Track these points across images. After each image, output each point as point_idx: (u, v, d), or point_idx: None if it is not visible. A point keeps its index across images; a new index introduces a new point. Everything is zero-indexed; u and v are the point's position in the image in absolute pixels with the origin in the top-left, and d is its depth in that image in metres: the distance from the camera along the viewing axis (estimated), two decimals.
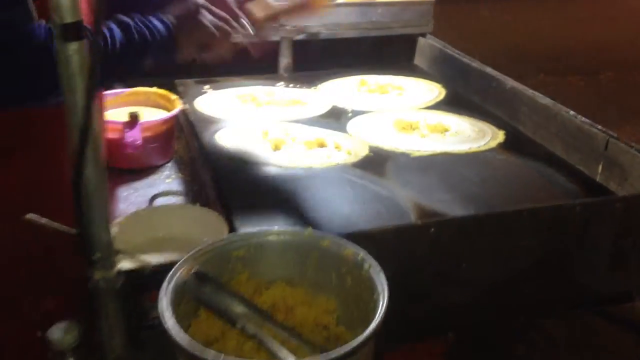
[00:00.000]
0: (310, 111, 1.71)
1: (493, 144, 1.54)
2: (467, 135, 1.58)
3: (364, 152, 1.47)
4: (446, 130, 1.60)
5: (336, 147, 1.48)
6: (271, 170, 1.38)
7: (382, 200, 1.26)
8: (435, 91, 1.88)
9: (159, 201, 1.29)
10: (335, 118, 1.68)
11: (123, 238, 1.17)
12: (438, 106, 1.78)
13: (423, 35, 2.17)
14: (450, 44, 2.06)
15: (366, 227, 1.13)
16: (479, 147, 1.51)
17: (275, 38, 2.01)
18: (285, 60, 2.03)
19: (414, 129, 1.60)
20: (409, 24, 2.17)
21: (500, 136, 1.58)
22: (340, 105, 1.77)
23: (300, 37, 2.03)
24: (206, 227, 1.20)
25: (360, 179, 1.35)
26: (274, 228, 0.98)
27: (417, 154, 1.47)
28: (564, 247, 1.20)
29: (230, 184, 1.30)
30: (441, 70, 2.04)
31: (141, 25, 1.12)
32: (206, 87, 1.86)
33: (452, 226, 1.11)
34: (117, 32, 1.08)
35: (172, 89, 1.86)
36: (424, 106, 1.77)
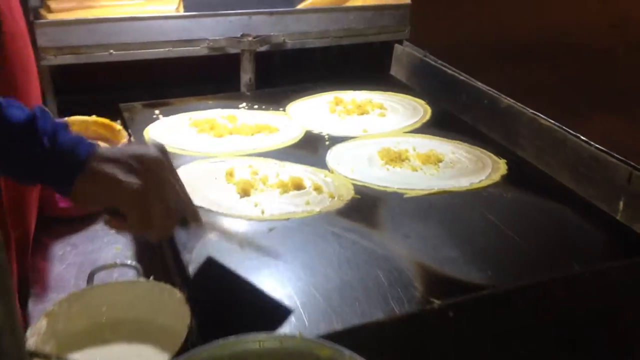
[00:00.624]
0: (280, 139, 1.47)
1: (496, 177, 1.33)
2: (464, 166, 1.37)
3: (348, 193, 1.24)
4: (440, 161, 1.38)
5: (316, 189, 1.24)
6: (239, 225, 1.14)
7: (378, 263, 1.03)
8: (419, 110, 1.67)
9: (101, 276, 1.04)
10: (311, 148, 1.44)
11: (55, 331, 0.92)
12: (426, 129, 1.56)
13: (399, 42, 1.95)
14: (428, 47, 1.85)
15: (367, 313, 0.90)
16: (480, 181, 1.30)
17: (235, 51, 1.76)
18: (246, 76, 1.78)
19: (403, 160, 1.38)
20: (384, 30, 1.95)
21: (502, 167, 1.37)
22: (314, 130, 1.53)
23: (262, 48, 1.79)
24: (162, 309, 0.96)
25: (349, 231, 1.12)
26: (255, 335, 0.75)
27: (411, 193, 1.25)
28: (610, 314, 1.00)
29: (190, 249, 1.05)
30: (423, 83, 1.82)
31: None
32: (156, 111, 1.60)
33: (475, 306, 0.89)
34: None
35: (116, 114, 1.60)
36: (410, 129, 1.56)
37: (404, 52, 1.91)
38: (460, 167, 1.37)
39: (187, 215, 0.84)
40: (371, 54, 1.94)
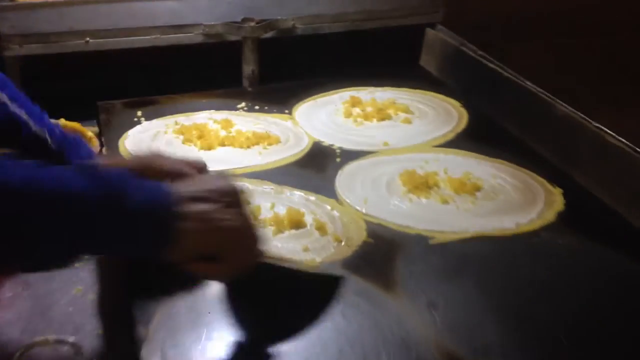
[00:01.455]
0: (281, 153, 1.21)
1: (549, 214, 1.05)
2: (509, 197, 1.09)
3: (359, 236, 0.98)
4: (477, 189, 1.10)
5: (319, 229, 0.98)
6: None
7: (392, 350, 0.77)
8: (453, 115, 1.38)
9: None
10: (318, 166, 1.17)
11: None
12: (460, 141, 1.27)
13: (432, 25, 1.65)
14: (466, 33, 1.55)
15: None
16: (530, 221, 1.02)
17: (235, 38, 1.48)
18: (249, 68, 1.51)
19: (430, 187, 1.10)
20: (414, 12, 1.64)
21: (557, 199, 1.08)
22: (324, 140, 1.26)
23: (268, 35, 1.51)
24: None
25: (356, 294, 0.86)
26: None
27: (439, 237, 0.98)
28: None
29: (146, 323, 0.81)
30: (458, 77, 1.52)
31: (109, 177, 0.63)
32: (139, 112, 1.34)
33: None
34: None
35: (91, 115, 1.35)
36: (441, 141, 1.27)
37: (437, 39, 1.61)
38: (503, 198, 1.09)
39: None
40: (397, 41, 1.64)
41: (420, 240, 0.98)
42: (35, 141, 0.86)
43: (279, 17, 1.50)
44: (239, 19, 1.47)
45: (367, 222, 1.01)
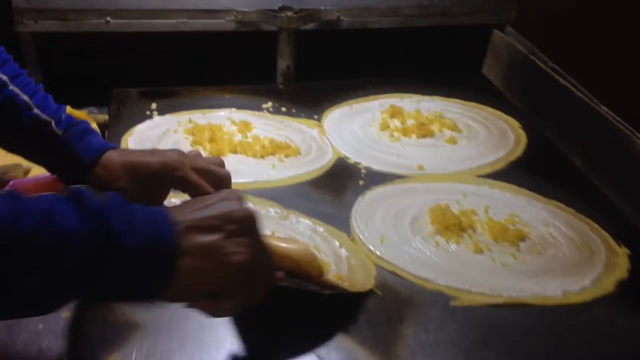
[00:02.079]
0: (297, 168, 1.05)
1: (608, 283, 0.84)
2: (560, 253, 0.89)
3: (365, 283, 0.81)
4: (522, 238, 0.91)
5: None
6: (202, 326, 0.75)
7: None
8: (509, 137, 1.17)
9: None
10: (336, 189, 1.00)
11: None
12: (512, 173, 1.07)
13: (501, 27, 1.43)
14: (539, 38, 1.32)
15: None
16: (582, 290, 0.82)
17: (271, 28, 1.33)
18: (283, 62, 1.35)
19: (463, 230, 0.92)
20: (480, 10, 1.43)
21: (620, 262, 0.87)
22: (350, 156, 1.09)
23: (308, 27, 1.34)
24: None
25: None
26: None
27: (464, 299, 0.80)
28: None
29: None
30: (523, 92, 1.31)
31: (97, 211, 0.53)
32: (153, 105, 1.21)
33: None
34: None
35: (102, 103, 1.23)
36: (488, 171, 1.07)
37: (504, 43, 1.39)
38: (552, 254, 0.88)
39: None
40: (457, 43, 1.43)
41: (439, 300, 0.80)
42: (37, 124, 0.77)
43: (322, 8, 1.33)
44: (276, 7, 1.31)
45: (379, 268, 0.84)
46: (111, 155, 0.77)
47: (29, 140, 0.77)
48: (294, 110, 1.22)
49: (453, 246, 0.89)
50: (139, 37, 1.29)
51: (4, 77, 0.77)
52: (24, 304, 0.51)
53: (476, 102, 1.29)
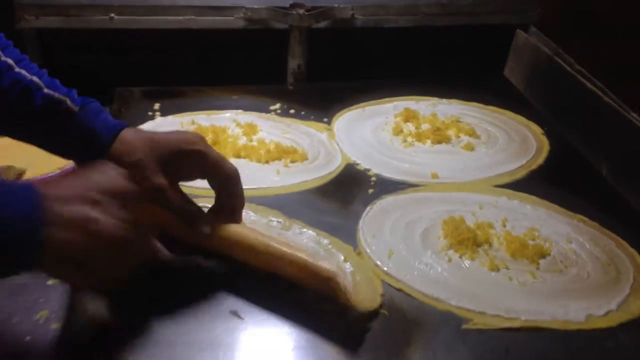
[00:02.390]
0: (304, 174, 0.99)
1: (636, 305, 0.77)
2: (583, 273, 0.81)
3: (370, 304, 0.74)
4: (542, 256, 0.84)
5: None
6: None
7: None
8: (530, 144, 1.10)
9: None
10: (344, 197, 0.94)
11: None
12: (532, 183, 1.00)
13: (524, 27, 1.36)
14: (565, 39, 1.25)
15: None
16: (607, 314, 0.75)
17: (282, 26, 1.27)
18: (294, 62, 1.29)
19: (479, 245, 0.85)
20: (503, 9, 1.36)
21: None
22: (360, 163, 1.03)
23: (320, 25, 1.28)
24: None
25: None
26: None
27: (477, 321, 0.73)
28: None
29: None
30: (547, 96, 1.24)
31: None
32: (156, 105, 1.16)
33: None
34: None
35: (105, 101, 1.18)
36: (507, 180, 1.00)
37: (527, 44, 1.32)
38: (575, 274, 0.81)
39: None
40: (478, 43, 1.36)
41: (450, 322, 0.74)
42: (51, 103, 0.73)
43: (336, 5, 1.27)
44: (287, 4, 1.25)
45: (385, 285, 0.78)
46: (129, 133, 0.74)
47: (43, 121, 0.74)
48: (303, 113, 1.17)
49: (467, 262, 0.82)
50: (145, 34, 1.24)
51: (10, 61, 0.73)
52: None
53: (496, 106, 1.22)
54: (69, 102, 0.73)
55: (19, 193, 0.56)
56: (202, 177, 0.76)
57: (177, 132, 0.77)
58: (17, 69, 0.73)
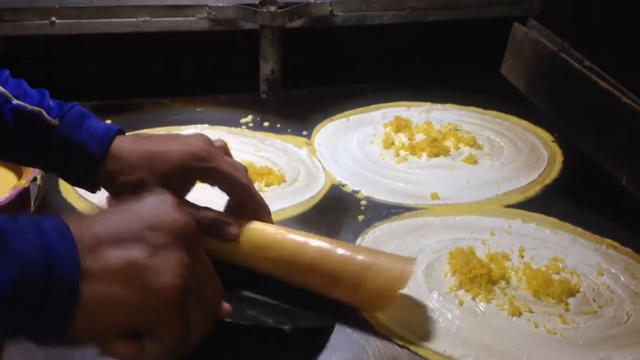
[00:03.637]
0: (280, 200, 0.83)
1: None
2: (622, 313, 0.67)
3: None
4: (571, 293, 0.69)
5: None
6: None
7: None
8: (541, 154, 0.96)
9: None
10: (328, 227, 0.78)
11: None
12: (549, 200, 0.85)
13: (523, 20, 1.22)
14: (570, 32, 1.11)
15: None
16: None
17: (251, 26, 1.12)
18: (267, 66, 1.13)
19: (494, 283, 0.71)
20: (498, 1, 1.22)
21: None
22: (346, 183, 0.88)
23: (296, 23, 1.13)
24: None
25: None
26: None
27: None
28: None
29: None
30: (554, 97, 1.10)
31: None
32: (108, 122, 0.99)
33: None
34: None
35: None
36: (519, 199, 0.86)
37: (527, 39, 1.18)
38: (614, 314, 0.67)
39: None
40: (472, 40, 1.22)
41: None
42: (25, 119, 0.62)
43: (312, 1, 1.12)
44: (256, 1, 1.10)
45: (384, 341, 0.63)
46: (123, 143, 0.64)
47: (18, 139, 0.63)
48: (278, 125, 1.01)
49: (482, 305, 0.68)
50: (92, 40, 1.08)
51: None
52: None
53: (498, 110, 1.07)
54: (44, 113, 0.62)
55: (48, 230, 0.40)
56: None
57: (179, 141, 0.65)
58: None
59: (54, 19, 1.05)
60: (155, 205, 0.45)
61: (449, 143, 0.96)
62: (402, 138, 0.98)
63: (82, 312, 0.40)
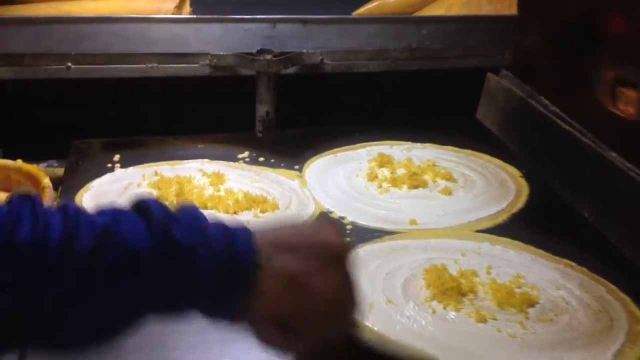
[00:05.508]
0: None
1: (633, 354, 0.71)
2: (575, 322, 0.76)
3: None
4: (530, 304, 0.78)
5: None
6: None
7: None
8: (509, 188, 1.06)
9: None
10: None
11: None
12: (514, 227, 0.95)
13: (495, 70, 1.34)
14: (537, 81, 1.23)
15: None
16: None
17: (249, 72, 1.23)
18: (263, 108, 1.25)
19: (463, 295, 0.79)
20: (473, 52, 1.34)
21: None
22: (334, 210, 0.97)
23: (289, 70, 1.25)
24: None
25: None
26: None
27: None
28: None
29: None
30: (523, 138, 1.21)
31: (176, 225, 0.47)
32: (116, 157, 1.10)
33: None
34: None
35: (64, 155, 1.12)
36: (488, 225, 0.95)
37: (499, 87, 1.30)
38: (568, 322, 0.76)
39: None
40: (450, 87, 1.35)
41: None
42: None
43: (304, 50, 1.24)
44: (254, 50, 1.22)
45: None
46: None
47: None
48: (272, 160, 1.12)
49: (452, 314, 0.76)
50: (105, 83, 1.19)
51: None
52: (80, 331, 0.47)
53: (472, 149, 1.18)
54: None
55: (235, 230, 0.50)
56: None
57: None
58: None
59: (70, 64, 1.16)
60: (321, 229, 0.53)
61: (427, 177, 1.07)
62: (384, 172, 1.08)
63: (255, 295, 0.48)
